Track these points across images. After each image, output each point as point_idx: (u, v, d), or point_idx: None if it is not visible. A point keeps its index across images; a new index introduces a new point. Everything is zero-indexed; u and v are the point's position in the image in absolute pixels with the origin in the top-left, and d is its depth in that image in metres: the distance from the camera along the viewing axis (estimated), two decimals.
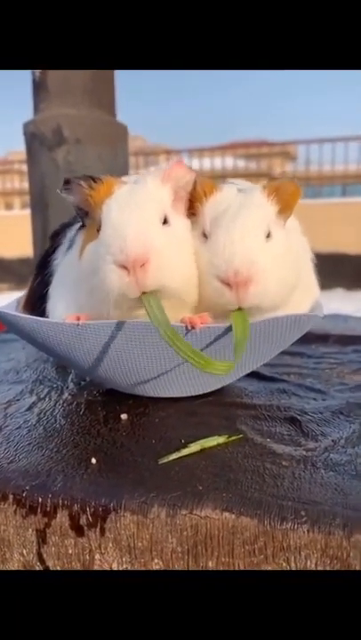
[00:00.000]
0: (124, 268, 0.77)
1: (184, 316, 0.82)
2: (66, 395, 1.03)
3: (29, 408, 0.97)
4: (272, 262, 0.83)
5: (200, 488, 0.67)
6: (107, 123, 2.21)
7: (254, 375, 1.07)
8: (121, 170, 2.21)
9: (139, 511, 0.65)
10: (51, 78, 2.13)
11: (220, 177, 11.39)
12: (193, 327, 0.80)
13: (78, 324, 0.81)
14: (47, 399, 1.01)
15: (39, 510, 0.68)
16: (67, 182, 0.86)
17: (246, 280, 0.80)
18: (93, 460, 0.75)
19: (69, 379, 1.11)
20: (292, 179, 0.89)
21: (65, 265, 0.93)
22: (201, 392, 0.97)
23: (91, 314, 0.83)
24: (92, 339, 0.83)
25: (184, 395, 0.97)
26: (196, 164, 11.59)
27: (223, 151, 11.90)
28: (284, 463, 0.73)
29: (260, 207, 0.86)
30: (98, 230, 0.82)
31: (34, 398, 1.02)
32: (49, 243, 1.06)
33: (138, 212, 0.80)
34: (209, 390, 0.98)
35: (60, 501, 0.68)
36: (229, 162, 11.62)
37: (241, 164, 12.24)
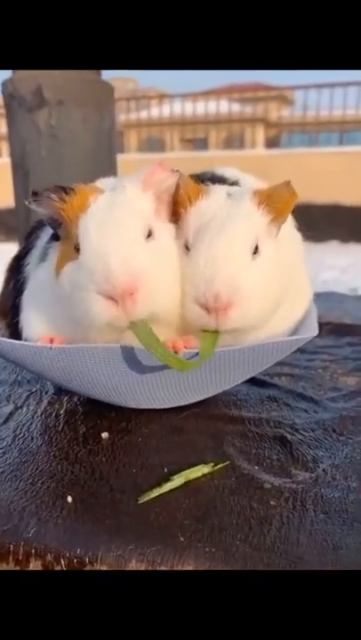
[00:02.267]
0: (111, 298, 0.70)
1: (167, 339, 0.75)
2: (45, 402, 0.98)
3: (5, 421, 0.91)
4: (257, 284, 0.76)
5: (181, 539, 0.62)
6: (92, 82, 2.05)
7: None
8: (108, 134, 2.08)
9: (115, 565, 0.61)
10: None
11: (215, 122, 11.05)
12: (176, 352, 0.74)
13: (51, 348, 0.75)
14: (25, 408, 0.96)
15: (11, 558, 0.64)
16: (35, 194, 0.77)
17: (226, 306, 0.74)
18: (69, 499, 0.70)
19: (49, 382, 1.06)
20: (287, 183, 0.80)
21: (39, 280, 0.84)
22: (184, 404, 0.92)
23: (67, 336, 0.77)
24: (66, 361, 0.77)
25: (168, 406, 0.91)
26: (189, 108, 11.19)
27: (218, 95, 11.47)
28: (272, 502, 0.69)
29: (249, 219, 0.78)
30: (76, 249, 0.74)
31: (11, 407, 0.97)
32: (25, 240, 0.97)
33: (120, 232, 0.72)
34: (192, 401, 0.92)
35: (33, 550, 0.64)
36: (224, 106, 11.19)
37: (236, 108, 11.79)
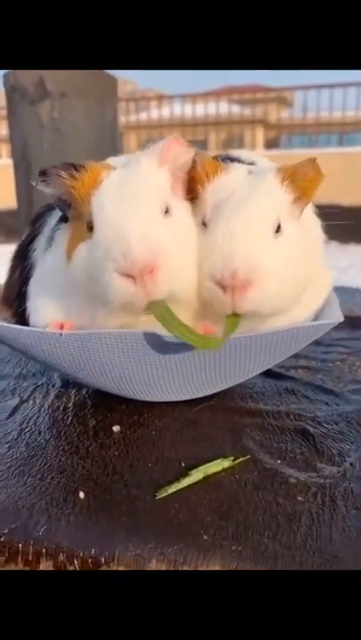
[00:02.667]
0: (130, 276, 0.65)
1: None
2: (52, 395, 0.93)
3: (11, 414, 0.87)
4: (278, 264, 0.71)
5: (205, 537, 0.58)
6: (94, 74, 2.01)
7: None
8: (110, 126, 2.04)
9: (134, 565, 0.56)
10: None
11: (214, 123, 11.03)
12: None
13: (61, 334, 0.70)
14: (31, 401, 0.91)
15: (20, 559, 0.59)
16: (43, 173, 0.72)
17: (244, 284, 0.68)
18: (81, 495, 0.65)
19: (56, 374, 1.01)
20: (313, 161, 0.75)
21: (47, 265, 0.79)
22: (199, 396, 0.87)
23: (79, 322, 0.72)
24: (77, 348, 0.72)
25: (182, 399, 0.87)
26: (189, 109, 11.16)
27: (217, 96, 11.44)
28: (299, 498, 0.64)
29: (271, 195, 0.73)
30: (89, 228, 0.70)
31: (16, 400, 0.92)
32: (29, 228, 0.93)
33: (137, 206, 0.67)
34: (208, 394, 0.87)
35: (44, 549, 0.59)
36: (224, 107, 11.16)
37: (236, 109, 11.76)
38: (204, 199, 0.76)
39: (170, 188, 0.73)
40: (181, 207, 0.74)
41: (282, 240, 0.72)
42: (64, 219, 0.77)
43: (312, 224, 0.85)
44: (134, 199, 0.68)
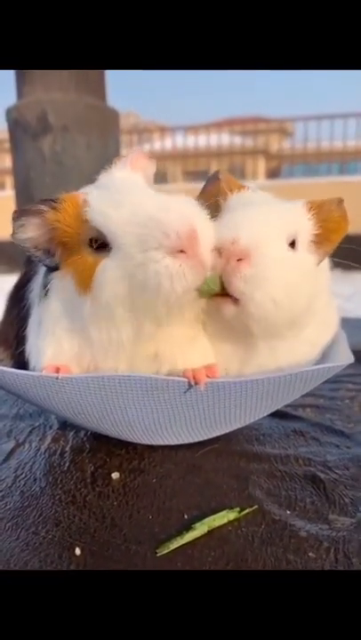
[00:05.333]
0: (180, 251, 0.59)
1: (187, 368, 0.68)
2: (49, 438, 0.89)
3: (6, 459, 0.83)
4: (281, 266, 0.67)
5: None
6: (96, 108, 2.02)
7: None
8: (112, 159, 2.04)
9: None
10: None
11: (216, 154, 11.18)
12: (197, 383, 0.66)
13: (57, 377, 0.67)
14: (27, 444, 0.88)
15: None
16: (20, 214, 0.67)
17: (242, 252, 0.64)
18: (77, 551, 0.61)
19: (53, 415, 0.98)
20: (340, 201, 0.73)
21: (48, 312, 0.73)
22: (203, 439, 0.83)
23: (84, 365, 0.70)
24: (74, 393, 0.69)
25: (184, 442, 0.83)
26: (191, 141, 11.32)
27: (219, 128, 11.62)
28: (310, 554, 0.60)
29: (294, 213, 0.71)
30: (97, 249, 0.65)
31: (12, 444, 0.88)
32: (24, 267, 0.90)
33: (144, 193, 0.65)
34: (212, 436, 0.83)
35: None
36: (226, 139, 11.32)
37: (237, 140, 11.93)
38: (225, 206, 0.74)
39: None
40: None
41: (292, 254, 0.69)
42: (52, 269, 0.71)
43: (323, 266, 0.82)
44: (134, 189, 0.66)
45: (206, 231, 0.62)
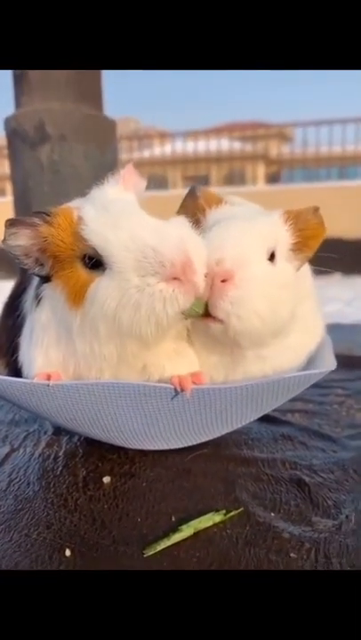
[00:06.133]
0: (174, 279, 0.62)
1: (173, 375, 0.70)
2: (43, 443, 0.92)
3: (0, 464, 0.85)
4: (263, 280, 0.69)
5: None
6: (93, 117, 2.05)
7: None
8: (110, 168, 2.07)
9: None
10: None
11: (216, 160, 11.23)
12: (183, 390, 0.68)
13: (49, 385, 0.69)
14: (21, 450, 0.90)
15: None
16: (12, 224, 0.69)
17: (226, 275, 0.66)
18: (68, 552, 0.63)
19: (48, 421, 1.00)
20: (316, 209, 0.76)
21: (39, 322, 0.75)
22: (192, 444, 0.85)
23: (74, 373, 0.72)
24: (65, 399, 0.71)
25: (174, 447, 0.85)
26: (191, 146, 11.37)
27: (219, 133, 11.66)
28: (292, 555, 0.62)
29: (272, 224, 0.74)
30: (91, 267, 0.67)
31: (7, 449, 0.90)
32: (19, 276, 0.92)
33: (141, 219, 0.67)
34: (200, 442, 0.85)
35: None
36: (225, 144, 11.37)
37: (237, 146, 11.97)
38: (205, 223, 0.76)
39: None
40: None
41: (274, 267, 0.72)
42: (45, 279, 0.73)
43: (304, 272, 0.84)
44: (131, 212, 0.67)
45: (199, 257, 0.65)
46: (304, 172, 11.42)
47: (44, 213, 0.69)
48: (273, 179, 12.30)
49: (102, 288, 0.65)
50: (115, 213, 0.67)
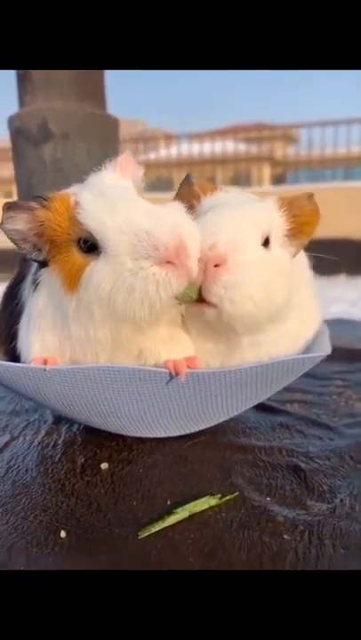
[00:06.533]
0: (168, 262, 0.63)
1: (168, 359, 0.71)
2: (42, 432, 0.92)
3: (0, 452, 0.86)
4: (257, 266, 0.69)
5: None
6: (96, 116, 2.07)
7: None
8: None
9: None
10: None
11: (221, 162, 11.24)
12: (178, 374, 0.69)
13: (45, 369, 0.70)
14: (21, 438, 0.91)
15: None
16: (10, 207, 0.70)
17: (220, 258, 0.66)
18: (63, 534, 0.64)
19: (48, 410, 1.01)
20: (310, 195, 0.76)
21: (37, 307, 0.76)
22: (189, 432, 0.86)
23: (72, 358, 0.72)
24: (62, 384, 0.72)
25: (171, 435, 0.86)
26: (196, 148, 11.39)
27: (224, 135, 11.68)
28: (285, 537, 0.62)
29: (266, 211, 0.74)
30: (86, 251, 0.68)
31: (7, 437, 0.91)
32: (18, 267, 0.93)
33: (135, 203, 0.67)
34: (197, 429, 0.86)
35: None
36: (230, 146, 11.39)
37: (242, 147, 11.99)
38: (199, 209, 0.77)
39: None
40: None
41: (268, 252, 0.72)
42: (42, 264, 0.74)
43: (301, 260, 0.85)
44: (127, 197, 0.68)
45: (193, 242, 0.65)
46: (309, 173, 11.41)
47: (42, 198, 0.70)
48: (279, 180, 12.31)
49: (97, 271, 0.66)
50: (111, 198, 0.68)
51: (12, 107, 2.18)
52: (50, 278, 0.72)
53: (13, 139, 2.12)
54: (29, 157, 2.06)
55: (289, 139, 13.58)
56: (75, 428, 0.93)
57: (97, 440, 0.87)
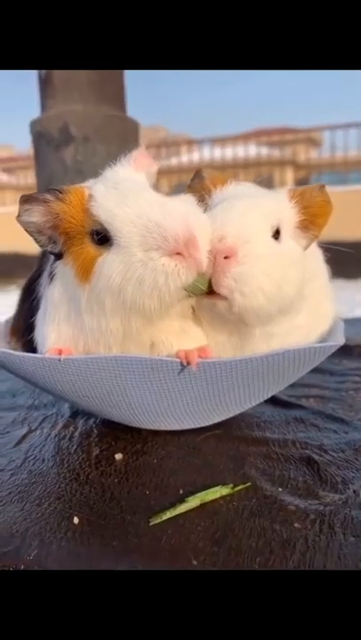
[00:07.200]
0: (177, 254, 0.64)
1: (180, 349, 0.71)
2: (60, 425, 0.94)
3: (18, 443, 0.88)
4: (269, 254, 0.69)
5: (194, 563, 0.56)
6: (116, 118, 2.09)
7: (269, 398, 0.95)
8: None
9: None
10: (56, 73, 2.02)
11: (244, 166, 11.23)
12: (189, 363, 0.70)
13: (60, 359, 0.72)
14: (38, 431, 0.92)
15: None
16: (26, 200, 0.72)
17: (230, 250, 0.67)
18: (76, 520, 0.65)
19: (66, 404, 1.02)
20: (322, 186, 0.76)
21: (52, 298, 0.78)
22: (203, 424, 0.86)
23: (86, 349, 0.74)
24: (76, 374, 0.73)
25: (185, 427, 0.86)
26: (218, 153, 11.41)
27: (246, 139, 11.68)
28: (296, 525, 0.62)
29: (277, 202, 0.74)
30: (99, 243, 0.69)
31: (25, 430, 0.93)
32: (38, 262, 0.95)
33: (147, 195, 0.68)
34: (212, 423, 0.86)
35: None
36: (253, 150, 11.38)
37: (264, 151, 11.98)
38: (211, 202, 0.77)
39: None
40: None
41: (278, 244, 0.72)
42: (58, 256, 0.76)
43: (314, 253, 0.85)
44: (139, 190, 0.69)
45: (203, 234, 0.66)
46: (333, 175, 11.33)
47: (57, 190, 0.72)
48: (302, 183, 12.25)
49: (108, 262, 0.67)
50: (123, 191, 0.69)
51: (35, 112, 2.23)
52: (64, 270, 0.74)
53: (35, 143, 2.16)
54: (51, 161, 2.09)
55: (312, 142, 13.50)
56: (91, 421, 0.94)
57: (112, 433, 0.88)
